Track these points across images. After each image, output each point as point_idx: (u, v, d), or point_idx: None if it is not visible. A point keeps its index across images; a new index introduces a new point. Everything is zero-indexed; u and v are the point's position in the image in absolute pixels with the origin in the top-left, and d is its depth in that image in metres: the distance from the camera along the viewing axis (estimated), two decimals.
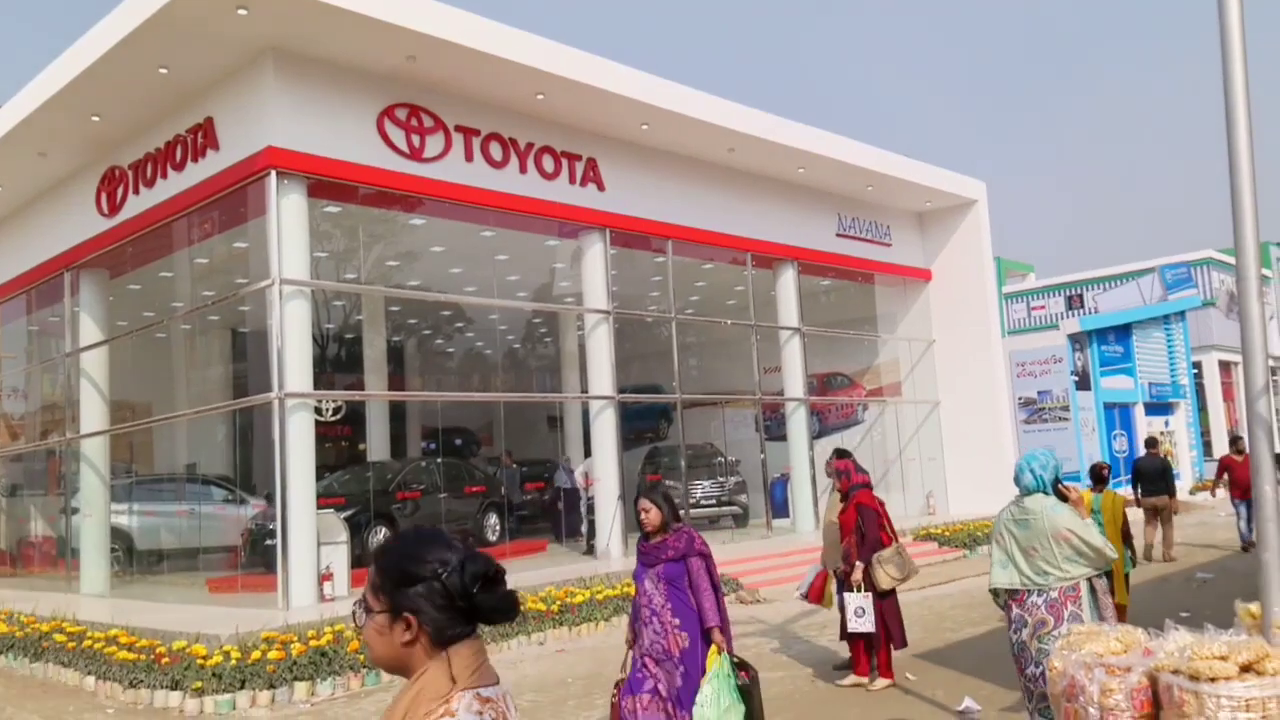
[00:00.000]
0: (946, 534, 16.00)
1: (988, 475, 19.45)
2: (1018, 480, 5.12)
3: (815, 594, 7.87)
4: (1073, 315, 24.11)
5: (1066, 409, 20.79)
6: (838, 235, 18.59)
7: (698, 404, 19.43)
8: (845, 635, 7.61)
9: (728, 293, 18.87)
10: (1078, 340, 21.97)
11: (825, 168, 16.99)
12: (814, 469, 17.54)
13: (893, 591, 7.33)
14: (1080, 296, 29.26)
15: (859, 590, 7.16)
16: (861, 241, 19.09)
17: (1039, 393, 21.29)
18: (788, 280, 17.61)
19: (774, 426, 18.43)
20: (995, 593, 5.20)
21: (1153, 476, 14.44)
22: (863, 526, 7.27)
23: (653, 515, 5.15)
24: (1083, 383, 21.64)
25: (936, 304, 20.49)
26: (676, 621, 4.88)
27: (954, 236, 20.47)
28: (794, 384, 17.60)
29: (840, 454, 8.00)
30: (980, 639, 9.16)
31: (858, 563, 7.20)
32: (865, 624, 7.12)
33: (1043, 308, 29.82)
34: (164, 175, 12.46)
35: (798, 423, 17.56)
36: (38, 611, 11.28)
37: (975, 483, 19.45)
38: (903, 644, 7.44)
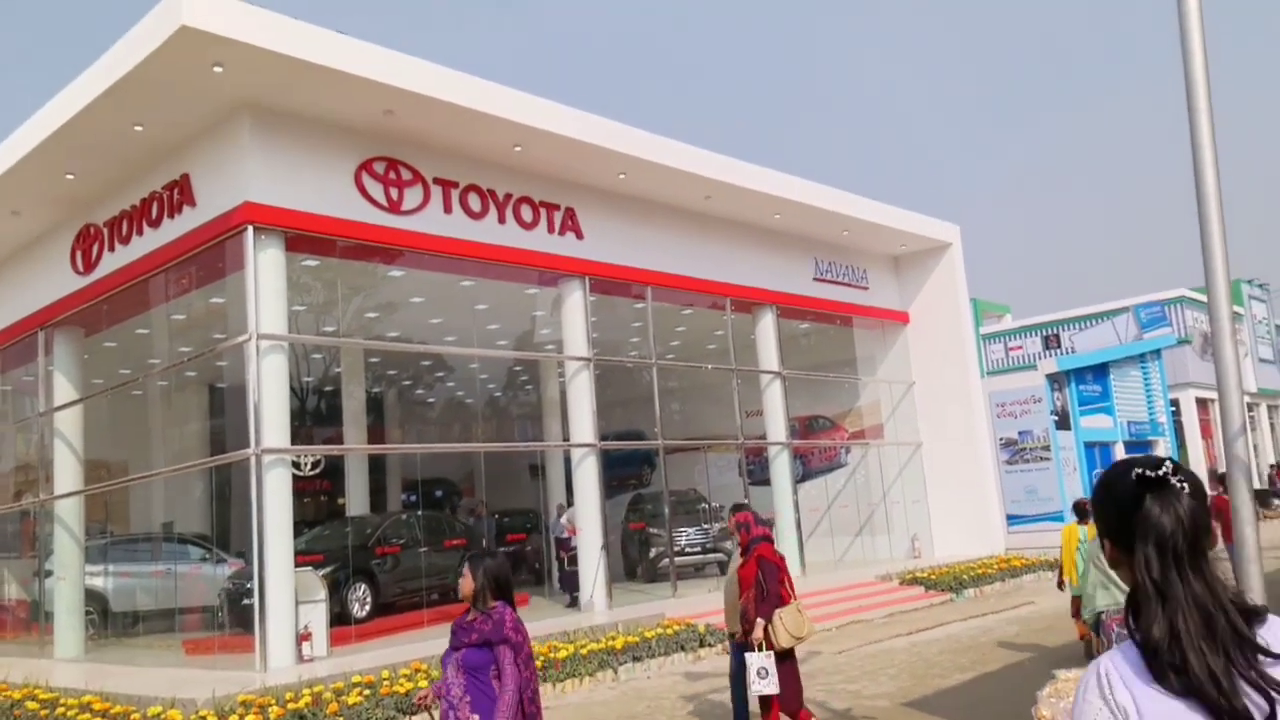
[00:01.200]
0: (933, 577, 15.93)
1: (972, 516, 19.48)
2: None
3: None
4: (1050, 355, 24.33)
5: (1048, 448, 20.84)
6: (815, 279, 18.73)
7: (680, 449, 19.37)
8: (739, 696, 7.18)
9: (708, 337, 18.92)
10: (1056, 380, 22.11)
11: (801, 213, 17.16)
12: (798, 513, 17.48)
13: (791, 651, 6.85)
14: (1057, 336, 29.55)
15: (760, 649, 6.59)
16: (839, 285, 19.24)
17: (1020, 433, 21.35)
18: (767, 324, 17.69)
19: (757, 470, 18.38)
20: (1091, 614, 5.08)
21: None
22: (763, 581, 6.80)
23: (465, 584, 4.41)
24: (1062, 422, 21.73)
25: (915, 346, 20.62)
26: (475, 718, 4.17)
27: (930, 279, 20.66)
28: (776, 428, 17.59)
29: (738, 507, 7.77)
30: (970, 685, 9.07)
31: (759, 620, 6.67)
32: (769, 686, 6.54)
33: (1020, 348, 30.06)
34: (140, 232, 12.41)
35: (781, 466, 17.53)
36: (10, 678, 11.00)
37: (960, 524, 19.43)
38: (795, 706, 6.82)
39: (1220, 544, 7.43)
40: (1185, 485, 1.71)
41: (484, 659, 4.19)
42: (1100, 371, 22.59)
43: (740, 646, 6.94)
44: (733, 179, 15.45)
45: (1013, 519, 20.56)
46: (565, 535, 15.48)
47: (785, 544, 17.23)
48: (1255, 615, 1.67)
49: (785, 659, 6.76)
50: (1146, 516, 1.70)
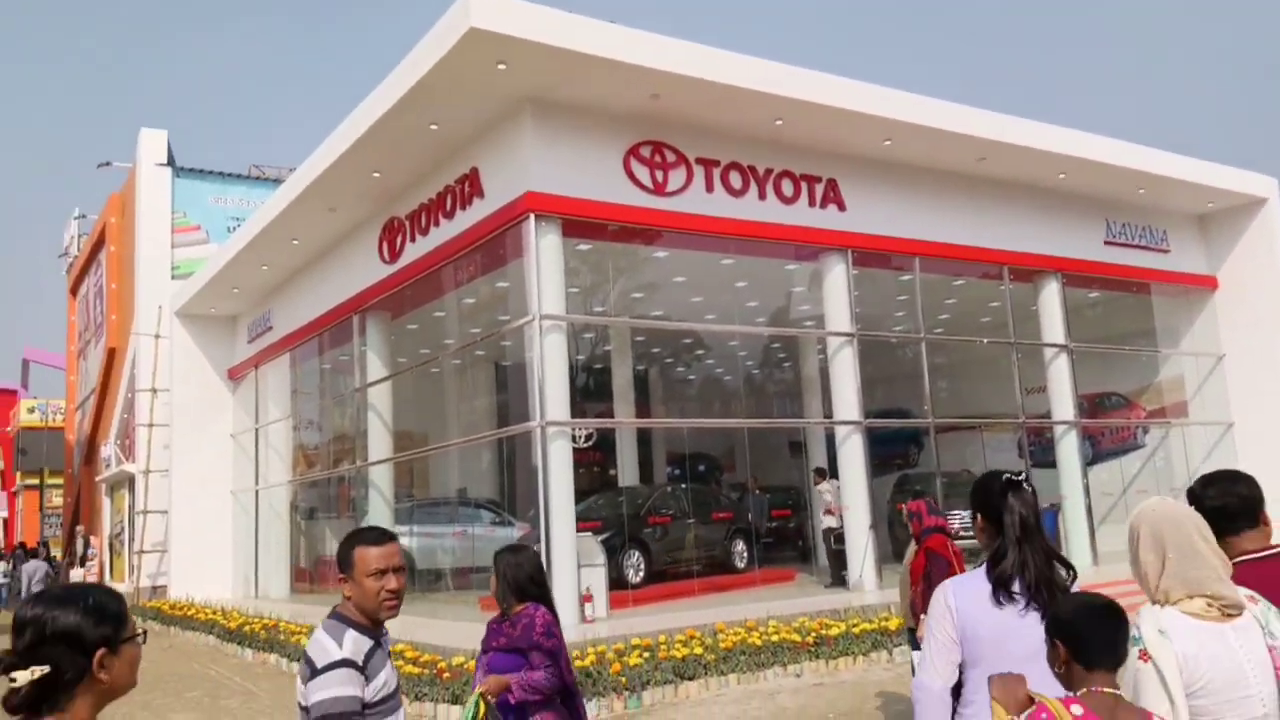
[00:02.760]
0: None
1: None
2: None
3: None
4: None
5: None
6: (1106, 243, 17.18)
7: (952, 428, 18.51)
8: None
9: (982, 309, 17.90)
10: None
11: (1089, 171, 15.79)
12: (1088, 498, 16.20)
13: None
14: None
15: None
16: (1134, 249, 17.54)
17: None
18: (1051, 293, 16.46)
19: (1039, 452, 17.20)
20: None
21: None
22: (931, 574, 6.36)
23: (493, 586, 4.01)
24: None
25: (1225, 314, 18.44)
26: None
27: (1243, 239, 18.39)
28: (1062, 405, 16.37)
29: (916, 494, 7.22)
30: None
31: (923, 616, 6.18)
32: None
33: None
34: (436, 223, 13.55)
35: (1068, 447, 16.29)
36: None
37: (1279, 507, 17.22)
38: None
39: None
40: (1030, 487, 2.96)
41: (512, 664, 3.80)
42: None
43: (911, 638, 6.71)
44: (1010, 138, 14.47)
45: None
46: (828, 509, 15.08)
47: (1074, 530, 16.06)
48: (1059, 557, 2.89)
49: None
50: (1011, 503, 2.88)
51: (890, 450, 20.05)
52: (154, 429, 21.36)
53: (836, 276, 14.19)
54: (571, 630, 10.52)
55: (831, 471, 15.00)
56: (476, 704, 3.69)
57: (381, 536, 3.01)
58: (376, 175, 13.76)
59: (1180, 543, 2.46)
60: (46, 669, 1.73)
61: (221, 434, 21.23)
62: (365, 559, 2.91)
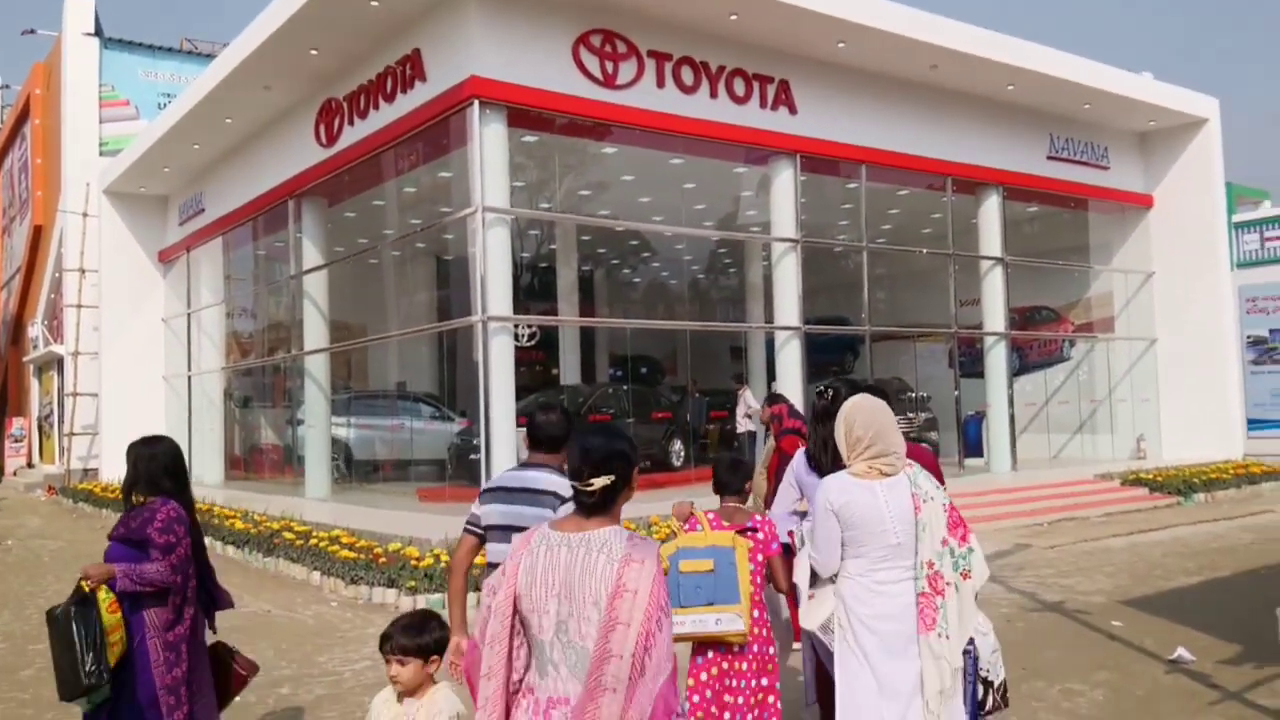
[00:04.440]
0: (1158, 479, 14.96)
1: (1208, 419, 18.03)
2: None
3: None
4: None
5: None
6: (1049, 158, 17.34)
7: (887, 337, 18.88)
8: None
9: (923, 221, 18.07)
10: None
11: (1037, 84, 15.81)
12: (1012, 408, 16.76)
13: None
14: None
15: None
16: (1075, 164, 17.75)
17: (1271, 331, 19.36)
18: (991, 206, 16.66)
19: (969, 363, 17.67)
20: None
21: None
22: (781, 473, 6.68)
23: (127, 476, 3.95)
24: None
25: (1158, 233, 18.88)
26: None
27: (1180, 159, 18.71)
28: (994, 318, 16.75)
29: (773, 398, 7.49)
30: (1196, 589, 8.58)
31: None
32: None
33: (1278, 238, 26.86)
34: (375, 106, 13.12)
35: (996, 358, 16.75)
36: (269, 512, 12.48)
37: (1193, 427, 18.05)
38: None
39: None
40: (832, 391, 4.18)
41: (127, 555, 3.67)
42: None
43: None
44: (962, 46, 14.38)
45: (1255, 423, 18.87)
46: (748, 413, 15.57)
47: (996, 437, 16.65)
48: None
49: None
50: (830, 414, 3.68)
51: (827, 357, 20.39)
52: (83, 310, 20.83)
53: (784, 181, 14.15)
54: None
55: (770, 376, 15.26)
56: (81, 588, 3.55)
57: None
58: (314, 53, 13.21)
59: (862, 427, 3.43)
60: (611, 478, 2.38)
61: (153, 318, 20.75)
62: None
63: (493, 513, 3.52)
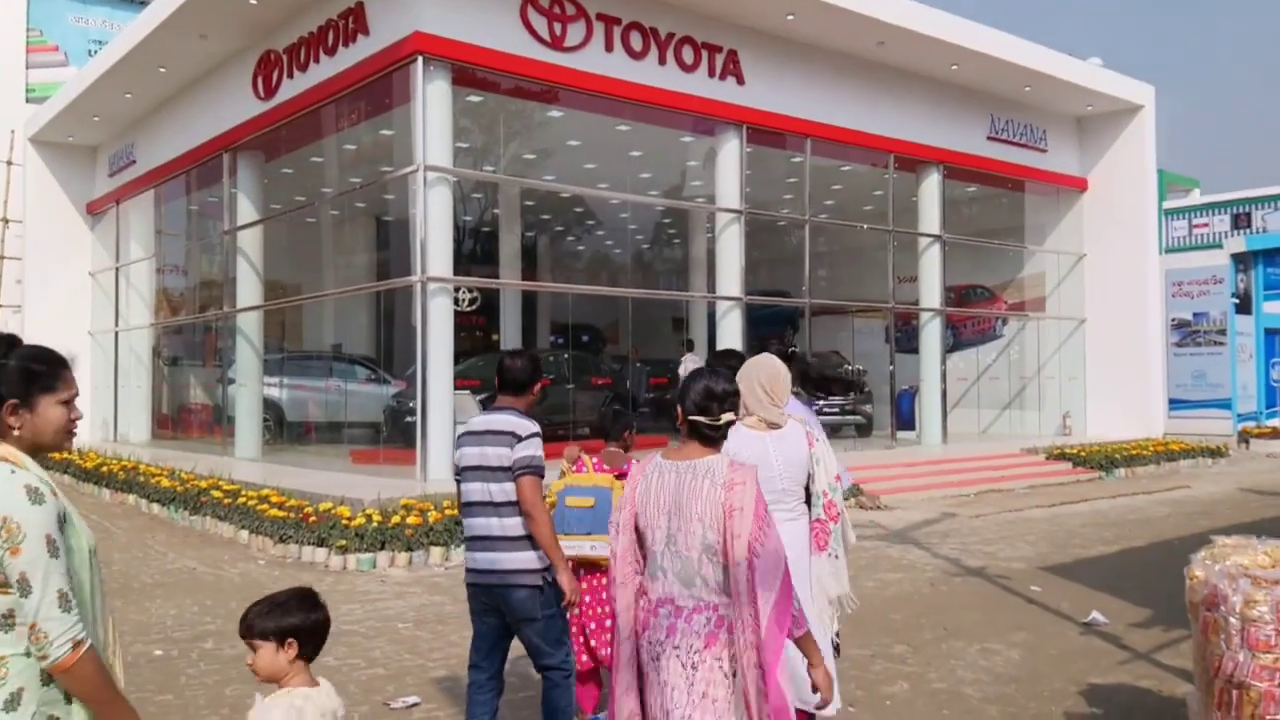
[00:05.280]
0: (1082, 454, 15.45)
1: (1131, 398, 18.62)
2: None
3: None
4: (1239, 234, 22.31)
5: (1223, 333, 19.52)
6: (989, 139, 17.65)
7: (826, 311, 19.11)
8: None
9: (866, 198, 18.28)
10: (1242, 261, 20.49)
11: (980, 65, 16.04)
12: (944, 383, 17.12)
13: None
14: (1248, 215, 27.03)
15: None
16: (1014, 146, 18.08)
17: (1195, 314, 20.03)
18: (931, 185, 16.90)
19: (904, 339, 17.99)
20: None
21: None
22: None
23: None
24: (1243, 306, 20.26)
25: (1091, 216, 19.36)
26: None
27: (1115, 145, 19.17)
28: (930, 294, 17.06)
29: (723, 355, 7.71)
30: (1112, 557, 8.89)
31: None
32: None
33: (1206, 225, 27.67)
34: (316, 60, 12.80)
35: (931, 335, 17.08)
36: (197, 470, 12.23)
37: (1117, 405, 18.63)
38: None
39: None
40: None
41: None
42: None
43: None
44: (910, 24, 14.51)
45: (1176, 403, 19.57)
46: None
47: (928, 411, 17.00)
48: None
49: None
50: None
51: (767, 330, 20.54)
52: (5, 262, 20.07)
53: (730, 152, 14.17)
54: (447, 482, 10.64)
55: (711, 346, 15.35)
56: None
57: None
58: (253, 2, 12.82)
59: (754, 385, 3.70)
60: (734, 415, 2.43)
61: (80, 272, 20.08)
62: None
63: (467, 455, 3.78)
